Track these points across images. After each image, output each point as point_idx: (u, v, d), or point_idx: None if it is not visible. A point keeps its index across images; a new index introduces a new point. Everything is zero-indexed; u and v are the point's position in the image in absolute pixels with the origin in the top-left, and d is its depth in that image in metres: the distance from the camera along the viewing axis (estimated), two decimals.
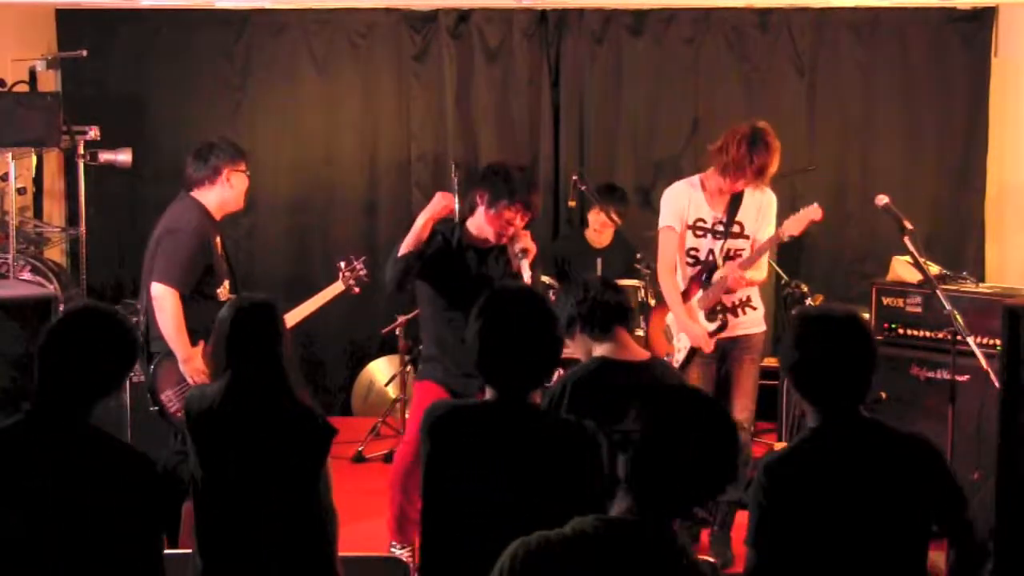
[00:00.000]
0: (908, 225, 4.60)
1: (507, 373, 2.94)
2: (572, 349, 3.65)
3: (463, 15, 7.06)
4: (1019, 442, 3.94)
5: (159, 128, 7.00)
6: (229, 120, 7.03)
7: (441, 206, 4.50)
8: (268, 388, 3.25)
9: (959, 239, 6.89)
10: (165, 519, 2.86)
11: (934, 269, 4.93)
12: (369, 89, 7.14)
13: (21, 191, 6.28)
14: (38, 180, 6.76)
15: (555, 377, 3.82)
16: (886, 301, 5.28)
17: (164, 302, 4.53)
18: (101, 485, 2.64)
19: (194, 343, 4.50)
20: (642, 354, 3.48)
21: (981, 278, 6.24)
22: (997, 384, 4.19)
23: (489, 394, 3.00)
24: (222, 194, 4.78)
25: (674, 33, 7.02)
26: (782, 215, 4.86)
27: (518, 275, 4.38)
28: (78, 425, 2.70)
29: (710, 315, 4.82)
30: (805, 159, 6.85)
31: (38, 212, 6.77)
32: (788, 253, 6.76)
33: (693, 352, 4.85)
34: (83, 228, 6.61)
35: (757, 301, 4.90)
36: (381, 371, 7.00)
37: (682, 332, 4.89)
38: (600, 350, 3.55)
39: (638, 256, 5.99)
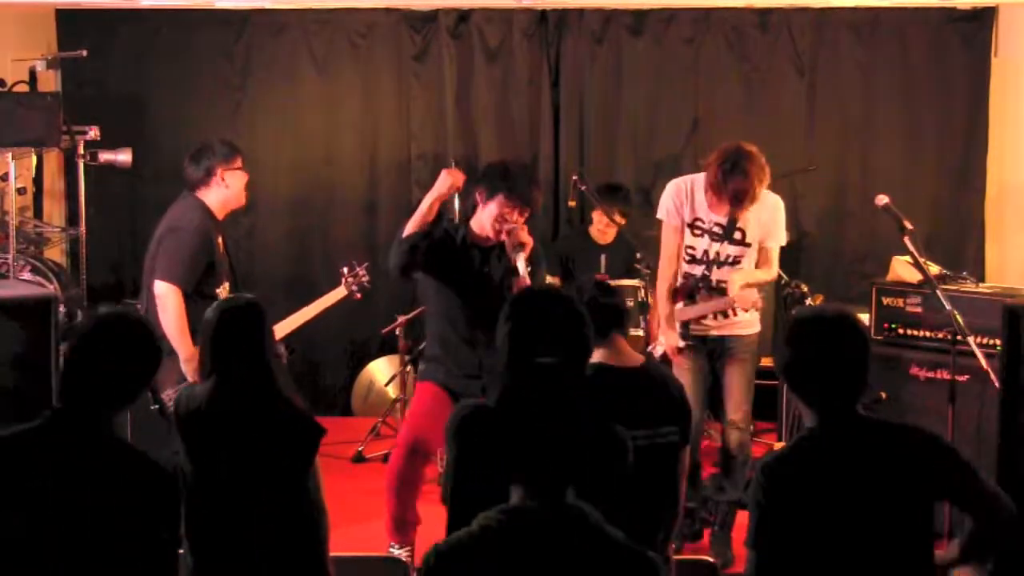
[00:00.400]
0: (908, 225, 4.60)
1: (535, 376, 2.92)
2: None
3: (463, 15, 7.06)
4: (1019, 442, 3.94)
5: (159, 128, 6.99)
6: (229, 120, 7.03)
7: (447, 184, 4.50)
8: (256, 388, 3.25)
9: (959, 239, 6.89)
10: (179, 524, 2.85)
11: (934, 269, 4.93)
12: (369, 89, 7.14)
13: (21, 191, 6.28)
14: (38, 180, 6.76)
15: None
16: (886, 301, 5.27)
17: (167, 300, 4.54)
18: (118, 493, 2.64)
19: (194, 343, 4.50)
20: (637, 359, 3.44)
21: (981, 278, 6.24)
22: (997, 384, 4.20)
23: None
24: (220, 194, 4.82)
25: (674, 33, 7.02)
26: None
27: (515, 270, 4.37)
28: (100, 431, 2.70)
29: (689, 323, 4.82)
30: (805, 159, 6.86)
31: (38, 212, 6.77)
32: (788, 253, 6.74)
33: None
34: (83, 228, 6.62)
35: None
36: (381, 371, 7.00)
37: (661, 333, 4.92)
38: (596, 356, 3.44)
39: (638, 256, 5.99)
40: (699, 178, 4.81)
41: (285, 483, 3.23)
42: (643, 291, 5.84)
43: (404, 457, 4.39)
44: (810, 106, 7.02)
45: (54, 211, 7.02)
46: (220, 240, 4.82)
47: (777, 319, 6.71)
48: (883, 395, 4.92)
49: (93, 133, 6.41)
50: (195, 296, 4.59)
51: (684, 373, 4.82)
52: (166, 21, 7.03)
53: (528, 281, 4.30)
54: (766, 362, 6.51)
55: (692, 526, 4.92)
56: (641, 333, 5.51)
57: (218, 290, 4.69)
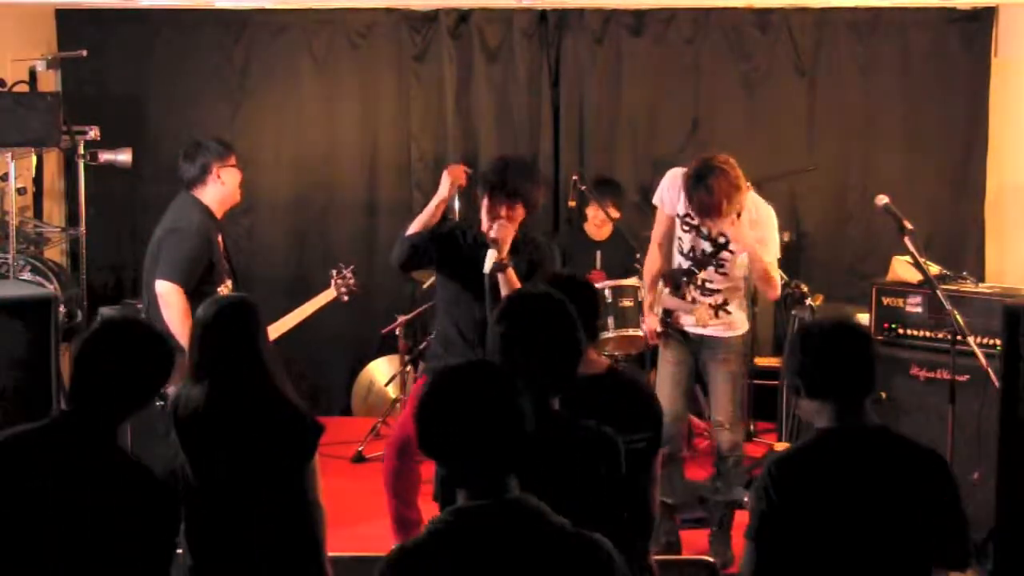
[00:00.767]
0: (908, 225, 4.60)
1: (528, 379, 2.91)
2: None
3: (463, 15, 7.06)
4: (1019, 442, 3.95)
5: (159, 128, 6.99)
6: (229, 120, 7.03)
7: (448, 184, 4.49)
8: (252, 387, 3.24)
9: (959, 239, 6.89)
10: (175, 539, 2.84)
11: (934, 269, 4.93)
12: (369, 89, 7.14)
13: (21, 191, 6.28)
14: (38, 180, 6.76)
15: None
16: (886, 301, 5.27)
17: (170, 298, 4.57)
18: (115, 500, 2.64)
19: None
20: (602, 364, 3.34)
21: (981, 278, 6.23)
22: (997, 384, 4.20)
23: None
24: (217, 192, 4.86)
25: (674, 33, 7.02)
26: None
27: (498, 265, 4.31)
28: (103, 437, 2.70)
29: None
30: (805, 159, 6.86)
31: (38, 212, 6.77)
32: (788, 253, 6.76)
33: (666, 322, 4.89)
34: (83, 228, 6.61)
35: (734, 307, 4.86)
36: (381, 371, 7.00)
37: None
38: None
39: (638, 256, 5.99)
40: None
41: (284, 483, 3.23)
42: (642, 291, 5.83)
43: (395, 456, 4.42)
44: (810, 106, 7.02)
45: (54, 211, 7.02)
46: (219, 239, 4.84)
47: (777, 319, 6.72)
48: (883, 395, 4.92)
49: (93, 133, 6.41)
50: (195, 295, 4.60)
51: (666, 365, 4.85)
52: (166, 21, 7.03)
53: (516, 282, 4.28)
54: (765, 362, 6.58)
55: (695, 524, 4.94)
56: (641, 333, 5.50)
57: (219, 289, 4.70)
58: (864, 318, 5.23)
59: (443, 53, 7.06)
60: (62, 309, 5.68)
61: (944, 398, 4.72)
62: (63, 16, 7.00)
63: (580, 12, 7.01)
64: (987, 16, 6.85)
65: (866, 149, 7.00)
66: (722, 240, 4.70)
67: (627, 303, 5.53)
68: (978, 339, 4.57)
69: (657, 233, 4.95)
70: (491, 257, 4.27)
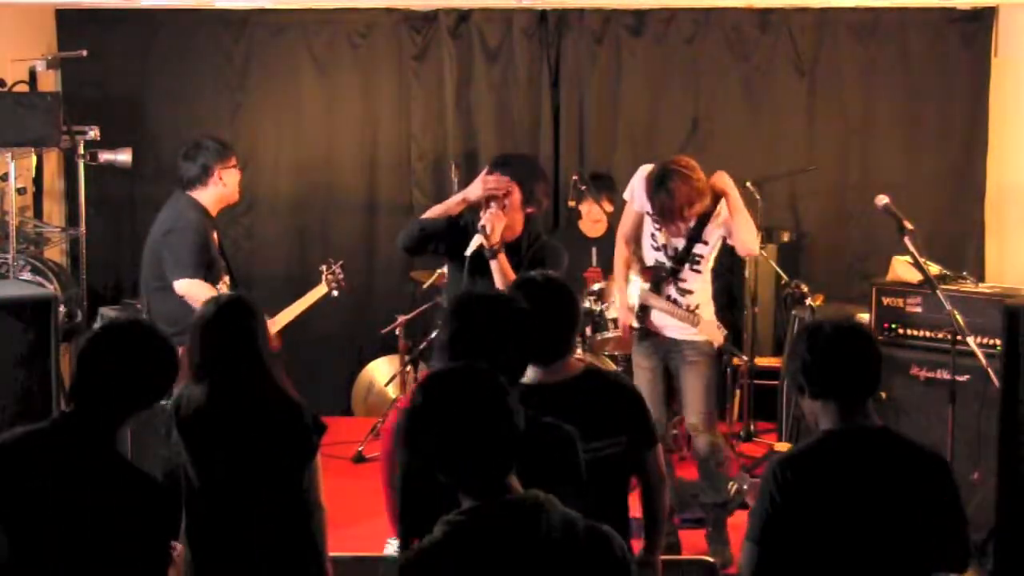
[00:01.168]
0: (908, 225, 4.60)
1: None
2: None
3: (463, 15, 7.06)
4: (1019, 442, 3.95)
5: (159, 128, 6.99)
6: (229, 120, 7.03)
7: (481, 190, 4.41)
8: (253, 387, 3.24)
9: (959, 239, 6.89)
10: (168, 546, 2.83)
11: (934, 269, 4.93)
12: (369, 89, 7.14)
13: (21, 191, 6.28)
14: (38, 180, 6.76)
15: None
16: (886, 301, 5.28)
17: (194, 291, 4.67)
18: (114, 504, 2.64)
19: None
20: (574, 369, 3.19)
21: (981, 278, 6.24)
22: (997, 384, 4.20)
23: None
24: (217, 192, 4.94)
25: (674, 33, 7.02)
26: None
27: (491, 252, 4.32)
28: (103, 440, 2.69)
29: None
30: (805, 159, 6.86)
31: (38, 212, 6.77)
32: (788, 253, 6.77)
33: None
34: (83, 228, 6.61)
35: (706, 310, 4.84)
36: (381, 371, 7.00)
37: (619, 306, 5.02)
38: (528, 373, 3.07)
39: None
40: None
41: (286, 480, 3.23)
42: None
43: (391, 454, 4.39)
44: (810, 106, 7.02)
45: (54, 211, 7.02)
46: (215, 236, 4.87)
47: (777, 319, 6.72)
48: (883, 395, 4.92)
49: (93, 133, 6.40)
50: None
51: (642, 372, 4.86)
52: (166, 21, 7.03)
53: (510, 271, 4.28)
54: (765, 362, 6.57)
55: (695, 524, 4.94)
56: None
57: (218, 285, 4.72)
58: (864, 318, 5.23)
59: (443, 53, 7.06)
60: (62, 309, 5.67)
61: (944, 398, 4.72)
62: (63, 16, 7.00)
63: (580, 12, 7.01)
64: (987, 16, 6.85)
65: (866, 149, 7.00)
66: (693, 235, 4.72)
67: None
68: (978, 339, 4.57)
69: (624, 227, 4.97)
70: (476, 241, 4.28)
